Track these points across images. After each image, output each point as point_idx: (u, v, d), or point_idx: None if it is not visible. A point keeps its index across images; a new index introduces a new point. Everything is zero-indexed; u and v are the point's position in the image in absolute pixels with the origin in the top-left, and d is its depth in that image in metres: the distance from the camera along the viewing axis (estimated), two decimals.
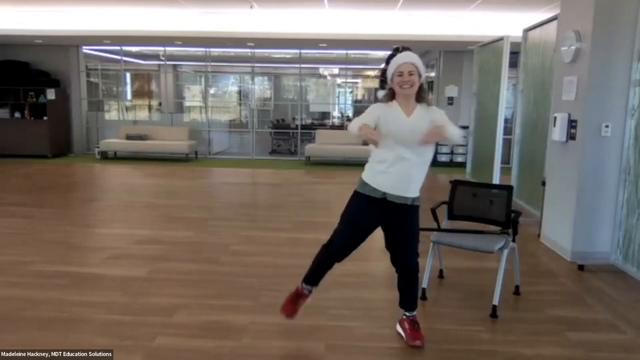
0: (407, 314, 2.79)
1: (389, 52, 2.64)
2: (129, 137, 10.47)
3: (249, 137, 11.64)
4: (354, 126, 2.51)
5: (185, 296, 3.30)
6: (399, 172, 2.56)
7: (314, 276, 2.82)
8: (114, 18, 8.42)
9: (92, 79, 12.92)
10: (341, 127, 12.23)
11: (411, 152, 2.54)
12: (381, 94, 2.67)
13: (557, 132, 4.35)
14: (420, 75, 2.56)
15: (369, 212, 2.65)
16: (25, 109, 10.10)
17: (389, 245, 2.74)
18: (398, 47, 2.60)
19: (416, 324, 2.76)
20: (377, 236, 2.72)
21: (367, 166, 2.69)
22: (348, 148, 9.69)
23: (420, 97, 2.60)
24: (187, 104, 15.57)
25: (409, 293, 2.78)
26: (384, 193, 2.58)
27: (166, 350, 2.62)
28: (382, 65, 2.66)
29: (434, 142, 2.57)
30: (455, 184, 3.53)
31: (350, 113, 16.04)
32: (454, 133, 2.50)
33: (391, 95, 2.61)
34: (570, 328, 2.95)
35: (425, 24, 8.28)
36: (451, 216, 3.50)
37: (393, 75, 2.55)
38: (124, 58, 11.70)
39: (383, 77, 2.65)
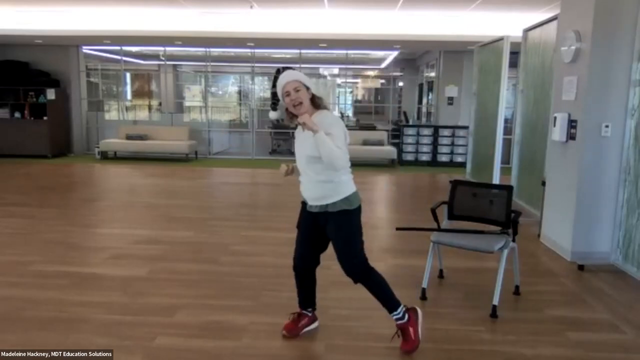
0: (391, 315, 2.64)
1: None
2: (129, 137, 10.48)
3: (249, 137, 11.64)
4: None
5: (185, 296, 3.30)
6: (304, 182, 2.61)
7: (300, 296, 2.85)
8: (114, 18, 8.42)
9: (92, 79, 12.91)
10: None
11: (305, 167, 2.58)
12: (273, 115, 2.71)
13: (557, 132, 4.35)
14: (308, 88, 2.54)
15: (305, 218, 2.71)
16: (25, 109, 10.11)
17: None
18: (279, 68, 2.61)
19: (400, 330, 2.63)
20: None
21: None
22: (348, 148, 9.67)
23: (315, 104, 2.57)
24: (187, 104, 15.57)
25: (376, 296, 2.65)
26: (305, 201, 2.67)
27: (166, 350, 2.62)
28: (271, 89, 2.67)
29: (307, 125, 2.37)
30: (455, 184, 3.53)
31: (350, 113, 16.05)
32: (326, 144, 2.37)
33: (292, 116, 2.57)
34: (570, 328, 2.95)
35: (425, 24, 8.28)
36: (451, 216, 3.50)
37: (283, 97, 2.55)
38: (124, 58, 11.71)
39: (275, 100, 2.64)
